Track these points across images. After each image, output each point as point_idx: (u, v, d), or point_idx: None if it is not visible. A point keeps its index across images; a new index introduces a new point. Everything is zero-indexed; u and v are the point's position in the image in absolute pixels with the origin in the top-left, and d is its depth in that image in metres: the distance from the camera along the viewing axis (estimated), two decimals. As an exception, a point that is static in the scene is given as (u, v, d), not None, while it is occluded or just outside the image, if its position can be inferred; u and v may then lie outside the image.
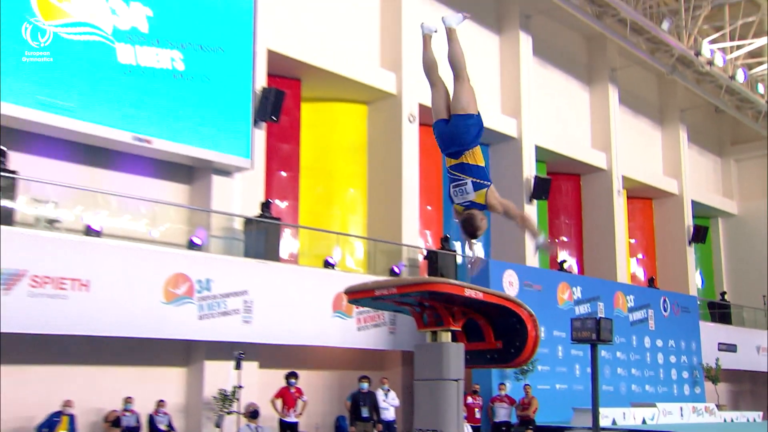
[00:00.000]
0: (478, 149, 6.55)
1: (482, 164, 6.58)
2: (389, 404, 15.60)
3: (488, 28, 22.89)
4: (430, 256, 18.79)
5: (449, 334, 8.17)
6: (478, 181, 6.56)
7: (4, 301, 11.51)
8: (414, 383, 8.28)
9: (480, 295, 8.31)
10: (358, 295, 8.77)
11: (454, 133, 6.49)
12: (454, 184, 6.61)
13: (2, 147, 12.36)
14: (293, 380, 14.59)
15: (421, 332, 8.42)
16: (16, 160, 12.71)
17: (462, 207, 6.67)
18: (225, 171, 15.71)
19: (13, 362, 12.29)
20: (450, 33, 6.66)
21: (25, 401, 12.43)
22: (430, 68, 6.80)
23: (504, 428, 16.78)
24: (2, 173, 12.24)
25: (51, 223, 13.23)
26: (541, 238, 7.31)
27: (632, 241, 27.59)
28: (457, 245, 19.74)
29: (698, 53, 23.87)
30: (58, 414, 12.15)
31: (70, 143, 14.07)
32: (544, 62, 24.39)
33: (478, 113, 6.58)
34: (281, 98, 16.40)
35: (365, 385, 15.05)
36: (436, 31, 6.82)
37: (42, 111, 12.84)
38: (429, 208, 20.83)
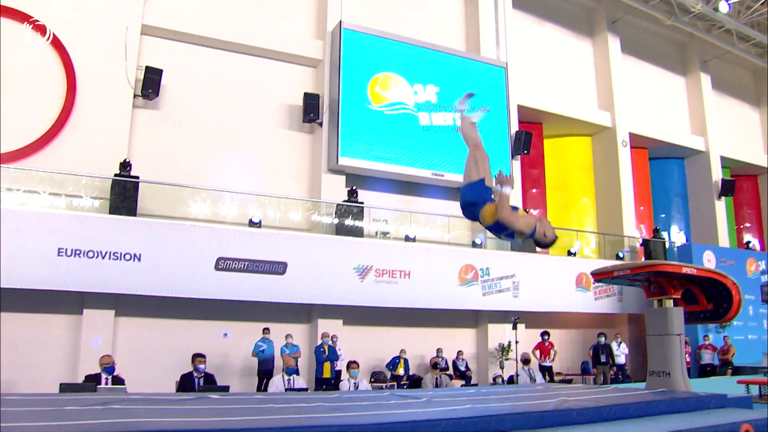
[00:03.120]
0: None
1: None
2: (621, 352, 15.86)
3: (674, 71, 22.56)
4: (645, 243, 18.77)
5: (671, 300, 8.74)
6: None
7: (360, 286, 13.31)
8: (647, 338, 8.75)
9: (694, 271, 8.94)
10: (601, 276, 9.69)
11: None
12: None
13: (354, 187, 14.34)
14: (546, 336, 15.22)
15: (649, 300, 9.03)
16: (362, 194, 14.44)
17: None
18: (493, 192, 17.05)
19: (370, 324, 14.24)
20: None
21: (376, 349, 14.03)
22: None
23: (708, 369, 16.56)
24: (355, 204, 14.18)
25: (384, 235, 14.82)
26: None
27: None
28: (665, 234, 19.69)
29: None
30: (397, 358, 13.61)
31: (393, 181, 15.56)
32: (722, 94, 23.56)
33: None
34: (529, 138, 17.30)
35: (602, 339, 15.48)
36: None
37: (374, 161, 14.70)
38: (642, 208, 20.85)
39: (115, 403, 4.88)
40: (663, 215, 22.00)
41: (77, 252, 11.00)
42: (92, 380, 9.61)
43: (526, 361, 14.06)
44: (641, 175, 21.05)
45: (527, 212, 5.44)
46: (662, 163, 22.33)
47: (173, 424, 3.93)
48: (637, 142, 20.70)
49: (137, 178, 12.18)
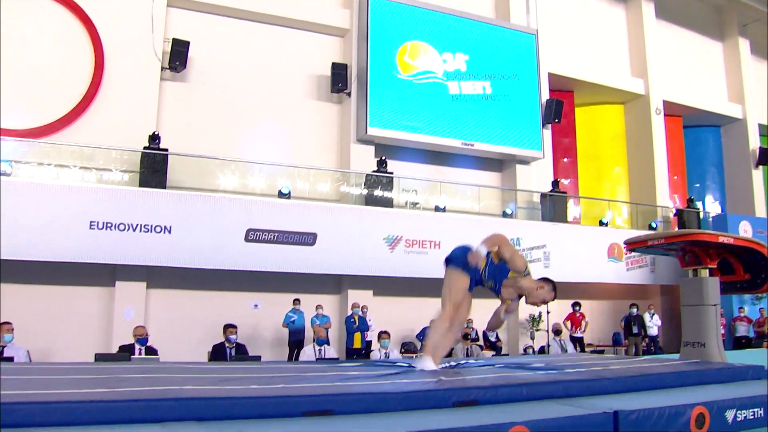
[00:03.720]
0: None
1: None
2: (653, 324, 15.64)
3: (711, 36, 21.88)
4: (679, 213, 18.43)
5: (707, 270, 8.45)
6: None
7: (391, 256, 13.26)
8: (682, 308, 8.52)
9: (731, 240, 8.73)
10: (635, 245, 9.49)
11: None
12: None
13: (383, 158, 14.28)
14: (577, 307, 15.10)
15: (683, 270, 8.72)
16: (391, 165, 14.39)
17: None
18: (524, 161, 16.40)
19: (400, 295, 14.17)
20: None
21: (406, 320, 13.88)
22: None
23: (743, 341, 16.26)
24: (384, 174, 14.11)
25: (414, 205, 14.74)
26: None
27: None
28: (699, 204, 19.23)
29: None
30: (427, 328, 14.00)
31: (422, 151, 15.45)
32: (761, 59, 22.62)
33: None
34: (560, 106, 17.03)
35: (635, 310, 15.22)
36: None
37: (403, 131, 14.59)
38: (676, 177, 20.39)
39: (150, 372, 4.95)
40: (697, 185, 21.54)
41: (108, 225, 11.13)
42: (126, 350, 9.78)
43: (557, 331, 14.01)
44: (675, 144, 20.63)
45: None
46: (697, 132, 21.81)
47: (209, 391, 3.97)
48: (671, 110, 20.25)
49: (166, 150, 12.25)
